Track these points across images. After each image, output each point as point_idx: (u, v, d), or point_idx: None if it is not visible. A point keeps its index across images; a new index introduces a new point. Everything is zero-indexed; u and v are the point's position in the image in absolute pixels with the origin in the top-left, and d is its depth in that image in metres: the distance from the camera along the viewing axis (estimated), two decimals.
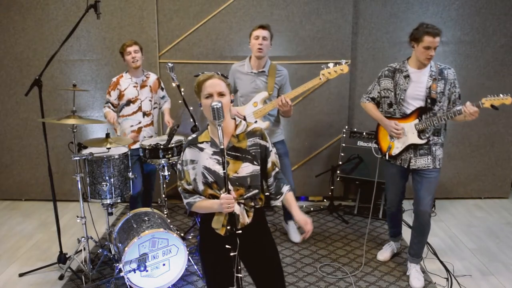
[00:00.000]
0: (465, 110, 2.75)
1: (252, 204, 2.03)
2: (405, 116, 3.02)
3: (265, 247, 2.12)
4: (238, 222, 1.98)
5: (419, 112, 2.96)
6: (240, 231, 1.94)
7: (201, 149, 2.00)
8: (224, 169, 1.84)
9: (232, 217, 1.92)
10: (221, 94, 1.94)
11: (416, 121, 2.97)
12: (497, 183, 4.74)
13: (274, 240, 2.19)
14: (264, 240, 2.13)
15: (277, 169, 2.09)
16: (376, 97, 3.15)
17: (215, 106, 1.81)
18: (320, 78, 3.17)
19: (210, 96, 1.93)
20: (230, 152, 1.97)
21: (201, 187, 2.00)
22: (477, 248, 3.69)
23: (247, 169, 1.97)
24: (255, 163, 1.99)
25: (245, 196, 1.99)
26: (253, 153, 1.99)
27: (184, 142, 3.48)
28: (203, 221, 2.10)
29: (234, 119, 2.06)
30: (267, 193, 2.12)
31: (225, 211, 1.88)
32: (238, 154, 1.98)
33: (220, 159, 1.91)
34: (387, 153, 3.11)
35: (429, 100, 2.93)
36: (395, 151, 3.08)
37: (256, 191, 2.01)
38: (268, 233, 2.17)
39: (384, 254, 3.48)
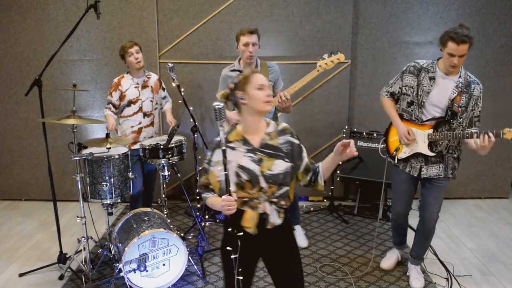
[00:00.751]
0: (481, 140, 2.49)
1: (283, 203, 2.01)
2: (420, 122, 2.85)
3: (289, 248, 2.10)
4: (268, 223, 1.98)
5: (436, 123, 2.78)
6: (254, 233, 1.94)
7: (233, 148, 1.99)
8: (225, 170, 1.84)
9: (260, 218, 1.93)
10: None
11: (430, 131, 2.80)
12: (497, 183, 4.74)
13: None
14: (288, 241, 2.11)
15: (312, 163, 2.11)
16: (396, 92, 2.95)
17: (217, 107, 1.83)
18: (318, 70, 3.10)
19: (262, 87, 1.95)
20: (264, 150, 1.98)
21: (233, 188, 1.98)
22: (477, 248, 3.69)
23: (280, 166, 1.97)
24: (286, 160, 1.99)
25: (277, 194, 1.98)
26: (285, 151, 1.99)
27: (184, 142, 3.50)
28: (229, 218, 2.08)
29: (264, 120, 2.06)
30: (307, 183, 2.09)
31: (226, 212, 1.88)
32: (271, 152, 1.98)
33: (255, 156, 1.94)
34: (393, 155, 2.99)
35: (449, 113, 2.73)
36: (401, 155, 2.95)
37: (287, 188, 2.01)
38: (291, 232, 2.15)
39: (387, 262, 3.35)
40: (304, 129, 4.54)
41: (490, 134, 2.53)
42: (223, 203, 1.86)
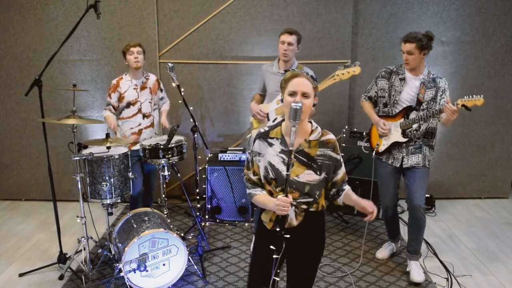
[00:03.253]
0: (446, 107, 2.82)
1: (304, 207, 2.00)
2: (393, 115, 3.15)
3: (306, 251, 2.09)
4: (286, 222, 1.98)
5: (405, 112, 3.09)
6: (288, 235, 1.93)
7: (270, 144, 2.00)
8: (287, 171, 1.83)
9: (281, 218, 1.92)
10: (305, 95, 1.90)
11: (402, 120, 3.10)
12: (497, 183, 4.74)
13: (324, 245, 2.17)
14: (312, 244, 2.09)
15: (345, 181, 2.08)
16: (373, 96, 3.27)
17: (295, 107, 1.79)
18: (334, 79, 3.22)
19: (293, 94, 1.90)
20: (298, 156, 1.96)
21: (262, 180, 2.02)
22: (477, 248, 3.69)
23: (308, 176, 1.96)
24: (318, 173, 1.97)
25: (299, 201, 1.98)
26: (319, 163, 1.97)
27: (184, 142, 3.50)
28: (261, 213, 2.12)
29: (311, 122, 2.03)
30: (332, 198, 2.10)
31: (278, 212, 1.88)
32: (305, 160, 1.96)
33: (286, 158, 1.92)
34: (376, 149, 3.25)
35: (416, 102, 3.06)
36: (381, 148, 3.23)
37: (311, 199, 2.00)
38: (319, 237, 2.12)
39: (382, 252, 3.51)
40: None
41: (450, 105, 2.83)
42: (278, 203, 1.85)
